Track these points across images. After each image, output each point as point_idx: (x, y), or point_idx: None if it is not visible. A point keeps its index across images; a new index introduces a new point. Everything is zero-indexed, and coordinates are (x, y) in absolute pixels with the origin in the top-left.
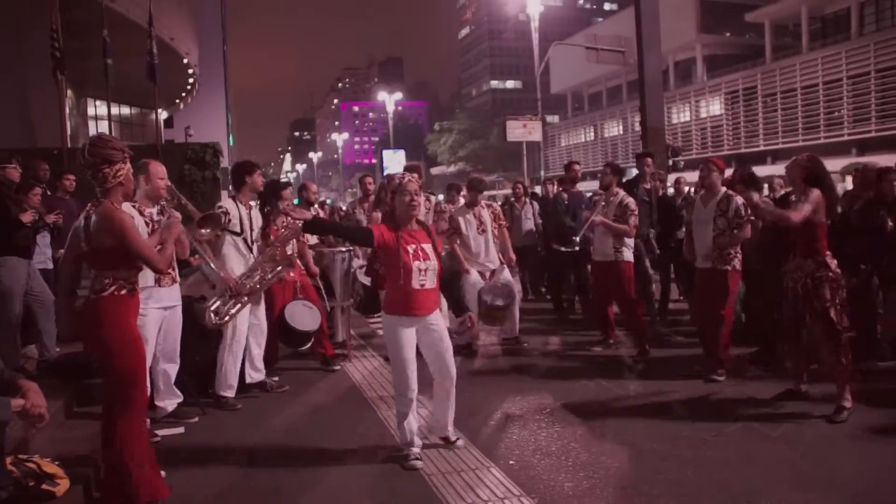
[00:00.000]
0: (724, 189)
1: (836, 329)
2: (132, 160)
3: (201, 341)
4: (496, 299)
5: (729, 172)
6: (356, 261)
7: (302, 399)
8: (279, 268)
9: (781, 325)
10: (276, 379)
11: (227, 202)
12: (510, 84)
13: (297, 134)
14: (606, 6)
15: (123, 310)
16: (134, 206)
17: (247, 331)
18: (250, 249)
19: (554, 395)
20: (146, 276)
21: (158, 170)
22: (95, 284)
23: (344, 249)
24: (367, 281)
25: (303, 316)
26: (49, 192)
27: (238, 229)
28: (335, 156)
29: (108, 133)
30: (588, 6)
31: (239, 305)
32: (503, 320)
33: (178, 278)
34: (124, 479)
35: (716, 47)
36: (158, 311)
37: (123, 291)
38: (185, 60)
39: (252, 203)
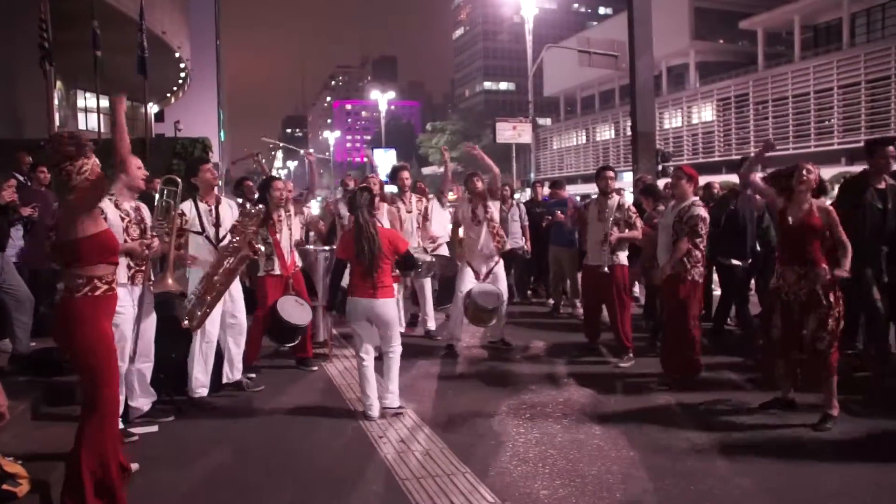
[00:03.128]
0: (693, 198)
1: (834, 336)
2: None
3: (177, 339)
4: (485, 302)
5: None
6: None
7: (278, 399)
8: (242, 252)
9: (767, 334)
10: (253, 377)
11: (185, 203)
12: (503, 86)
13: (288, 131)
14: (601, 10)
15: (97, 310)
16: (111, 200)
17: (218, 331)
18: (215, 247)
19: (534, 400)
20: (120, 274)
21: (135, 160)
22: (69, 283)
23: (327, 248)
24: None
25: (294, 310)
26: (28, 184)
27: (199, 228)
28: (327, 154)
29: (68, 130)
30: (583, 10)
31: (206, 307)
32: (489, 322)
33: (151, 276)
34: (82, 482)
35: (709, 54)
36: (134, 309)
37: (98, 292)
38: (177, 54)
39: (227, 200)
